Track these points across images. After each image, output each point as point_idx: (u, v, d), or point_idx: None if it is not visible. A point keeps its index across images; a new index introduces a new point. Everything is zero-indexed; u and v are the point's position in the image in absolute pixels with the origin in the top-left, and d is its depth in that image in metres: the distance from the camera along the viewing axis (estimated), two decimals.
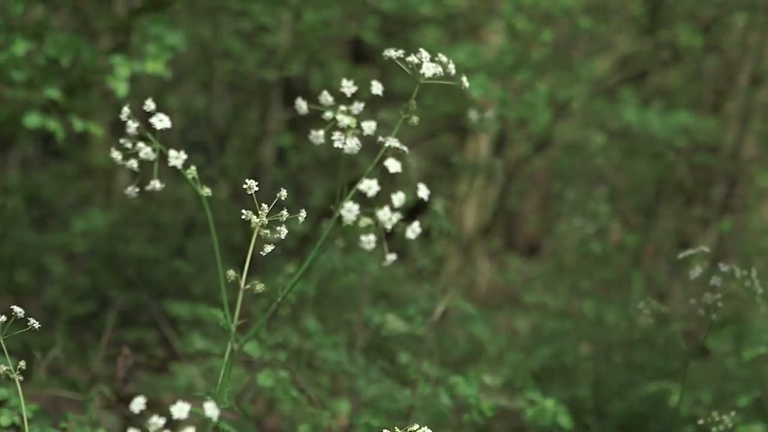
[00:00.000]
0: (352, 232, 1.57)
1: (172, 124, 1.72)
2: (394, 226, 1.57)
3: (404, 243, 1.67)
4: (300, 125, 6.44)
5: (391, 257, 1.58)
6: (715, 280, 2.50)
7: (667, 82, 7.44)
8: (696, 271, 2.50)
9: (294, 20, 5.45)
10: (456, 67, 1.72)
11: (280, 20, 5.54)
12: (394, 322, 3.76)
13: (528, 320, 5.64)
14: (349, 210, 1.55)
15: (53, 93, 3.92)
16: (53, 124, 3.97)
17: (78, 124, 4.00)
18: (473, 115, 4.43)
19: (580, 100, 5.78)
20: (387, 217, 1.55)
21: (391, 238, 1.59)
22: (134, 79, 4.08)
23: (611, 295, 5.40)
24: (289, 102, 6.35)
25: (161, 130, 1.66)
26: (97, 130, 4.14)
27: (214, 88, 6.51)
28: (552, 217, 7.30)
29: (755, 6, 6.13)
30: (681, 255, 2.60)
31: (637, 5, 6.90)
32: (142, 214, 5.85)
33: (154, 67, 3.93)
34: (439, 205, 3.72)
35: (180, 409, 1.51)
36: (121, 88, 3.93)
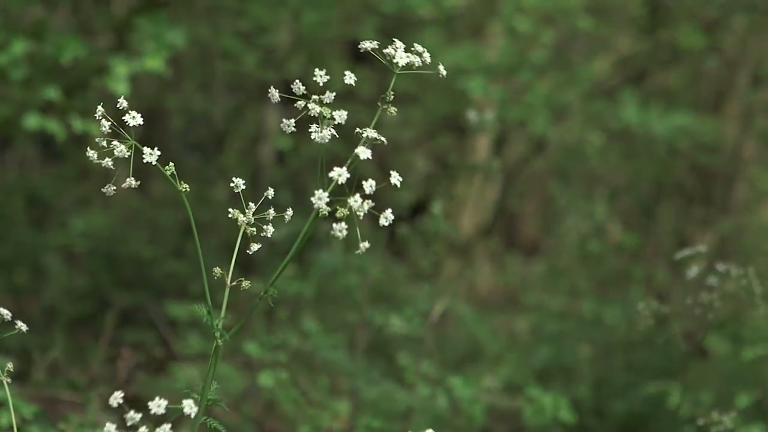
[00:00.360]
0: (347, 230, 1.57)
1: (172, 124, 1.72)
2: (395, 227, 1.58)
3: (404, 244, 1.68)
4: (299, 125, 6.43)
5: (365, 245, 1.60)
6: (712, 280, 2.50)
7: (668, 82, 7.44)
8: (693, 271, 2.50)
9: (293, 20, 5.45)
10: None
11: (280, 20, 5.53)
12: (396, 323, 3.76)
13: (528, 321, 5.64)
14: (319, 198, 1.57)
15: (52, 93, 3.91)
16: (53, 125, 3.96)
17: (78, 124, 3.99)
18: (472, 115, 4.43)
19: (579, 100, 5.77)
20: (358, 204, 1.57)
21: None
22: (134, 80, 4.07)
23: (611, 295, 5.40)
24: (289, 102, 6.35)
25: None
26: (98, 131, 4.13)
27: (214, 88, 6.51)
28: (552, 218, 7.31)
29: (755, 7, 6.13)
30: (679, 255, 2.60)
31: (637, 5, 6.90)
32: (140, 214, 5.85)
33: (153, 63, 3.91)
34: (437, 207, 3.72)
35: (157, 405, 1.54)
36: (121, 88, 3.92)
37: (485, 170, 4.87)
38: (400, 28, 6.11)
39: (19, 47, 3.84)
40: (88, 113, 4.23)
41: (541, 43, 5.57)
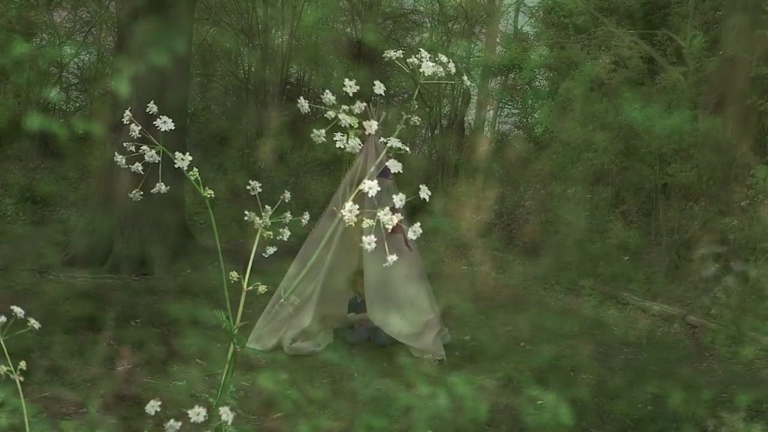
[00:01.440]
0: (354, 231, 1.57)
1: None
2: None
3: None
4: (300, 125, 6.44)
5: (392, 258, 1.58)
6: (729, 280, 2.51)
7: (668, 82, 7.44)
8: (709, 271, 2.51)
9: (294, 20, 5.46)
10: (457, 68, 1.71)
11: (281, 20, 5.54)
12: (396, 322, 3.76)
13: (529, 319, 5.65)
14: (350, 210, 1.55)
15: (54, 95, 3.92)
16: (55, 126, 3.98)
17: (79, 125, 4.01)
18: (471, 114, 4.44)
19: (580, 99, 5.78)
20: (388, 218, 1.55)
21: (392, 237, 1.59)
22: (134, 78, 4.08)
23: (612, 295, 5.40)
24: (289, 102, 6.35)
25: (157, 129, 1.65)
26: (99, 130, 4.15)
27: (214, 87, 6.51)
28: (553, 216, 7.31)
29: (756, 6, 6.13)
30: (697, 254, 2.61)
31: (638, 4, 6.90)
32: (141, 213, 5.85)
33: (159, 60, 3.93)
34: (437, 206, 3.72)
35: (197, 413, 1.50)
36: (124, 89, 3.94)
37: (488, 170, 4.88)
38: (401, 27, 6.11)
39: (23, 49, 3.85)
40: (91, 114, 4.24)
41: (544, 42, 5.58)
